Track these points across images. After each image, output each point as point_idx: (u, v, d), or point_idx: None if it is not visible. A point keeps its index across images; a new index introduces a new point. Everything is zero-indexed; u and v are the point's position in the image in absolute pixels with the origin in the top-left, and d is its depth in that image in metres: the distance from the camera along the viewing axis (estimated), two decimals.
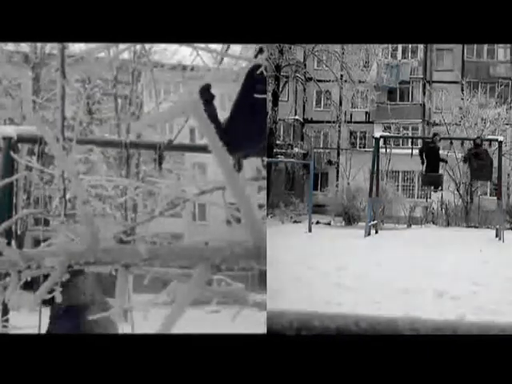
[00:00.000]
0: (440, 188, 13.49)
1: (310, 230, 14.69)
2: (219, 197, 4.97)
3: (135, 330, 6.54)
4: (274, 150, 21.40)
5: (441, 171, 13.34)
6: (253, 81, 3.81)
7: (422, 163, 12.91)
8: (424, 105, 24.36)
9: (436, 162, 12.91)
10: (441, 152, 13.18)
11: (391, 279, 6.93)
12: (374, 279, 6.97)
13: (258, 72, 3.67)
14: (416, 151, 13.03)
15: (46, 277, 1.50)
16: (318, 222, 17.65)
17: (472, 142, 13.92)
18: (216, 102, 4.29)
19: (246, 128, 3.94)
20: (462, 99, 21.70)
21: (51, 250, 1.55)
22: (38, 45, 21.20)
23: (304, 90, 23.82)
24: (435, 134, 13.43)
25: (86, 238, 1.46)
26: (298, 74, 23.17)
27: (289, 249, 9.81)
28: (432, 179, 13.08)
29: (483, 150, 13.12)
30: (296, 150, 24.14)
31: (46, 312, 4.66)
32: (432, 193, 13.51)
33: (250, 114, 3.90)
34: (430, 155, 12.80)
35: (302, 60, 23.28)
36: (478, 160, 12.90)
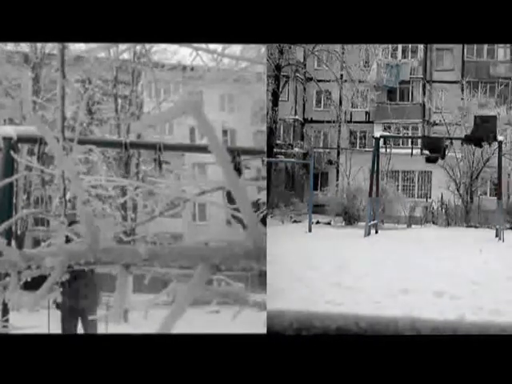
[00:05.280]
0: (441, 155, 13.92)
1: (310, 230, 14.69)
2: (219, 197, 4.97)
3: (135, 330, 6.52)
4: (274, 150, 21.38)
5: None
6: None
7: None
8: (424, 105, 24.35)
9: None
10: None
11: (391, 279, 6.93)
12: (374, 279, 6.96)
13: None
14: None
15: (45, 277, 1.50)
16: (318, 222, 17.63)
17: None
18: (216, 102, 4.28)
19: None
20: (462, 99, 21.67)
21: (51, 250, 1.55)
22: (38, 45, 21.15)
23: (304, 89, 23.80)
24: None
25: (86, 238, 1.46)
26: (298, 74, 23.17)
27: (289, 249, 9.80)
28: (432, 144, 13.63)
29: None
30: (296, 149, 24.12)
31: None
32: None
33: None
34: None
35: (301, 60, 23.27)
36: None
